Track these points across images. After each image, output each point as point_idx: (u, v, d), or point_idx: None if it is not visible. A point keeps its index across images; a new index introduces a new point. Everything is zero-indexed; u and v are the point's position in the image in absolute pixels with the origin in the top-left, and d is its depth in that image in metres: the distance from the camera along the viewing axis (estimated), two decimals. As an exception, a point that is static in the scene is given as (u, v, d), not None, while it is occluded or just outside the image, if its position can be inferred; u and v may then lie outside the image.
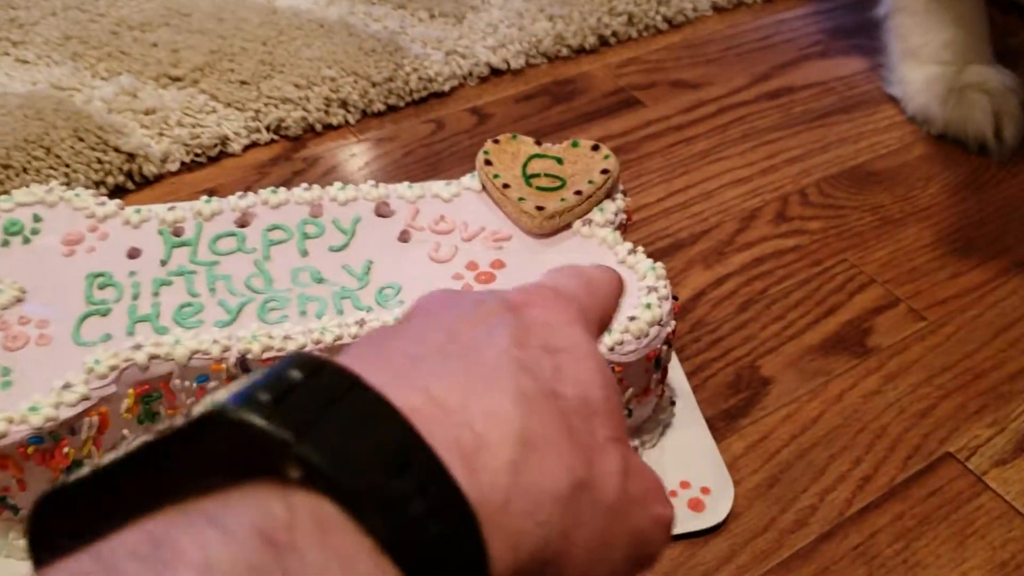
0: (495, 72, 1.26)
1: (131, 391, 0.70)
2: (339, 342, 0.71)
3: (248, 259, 0.79)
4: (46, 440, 0.67)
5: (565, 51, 1.29)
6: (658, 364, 0.73)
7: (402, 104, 1.20)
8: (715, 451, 0.78)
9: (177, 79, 1.17)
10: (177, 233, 0.82)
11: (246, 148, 1.12)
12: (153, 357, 0.70)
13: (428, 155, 1.11)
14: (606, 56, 1.30)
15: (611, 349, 0.70)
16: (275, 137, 1.14)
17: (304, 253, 0.80)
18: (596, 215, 0.81)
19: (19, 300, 0.75)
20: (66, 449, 0.68)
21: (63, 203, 0.83)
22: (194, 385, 0.71)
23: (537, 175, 0.83)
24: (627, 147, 1.13)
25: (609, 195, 0.82)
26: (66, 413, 0.67)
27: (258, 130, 1.13)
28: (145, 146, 1.07)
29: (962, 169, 1.12)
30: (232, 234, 0.81)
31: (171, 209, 0.83)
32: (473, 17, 1.31)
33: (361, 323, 0.72)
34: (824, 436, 0.82)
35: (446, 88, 1.22)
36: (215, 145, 1.11)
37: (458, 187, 0.85)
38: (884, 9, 1.25)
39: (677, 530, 0.71)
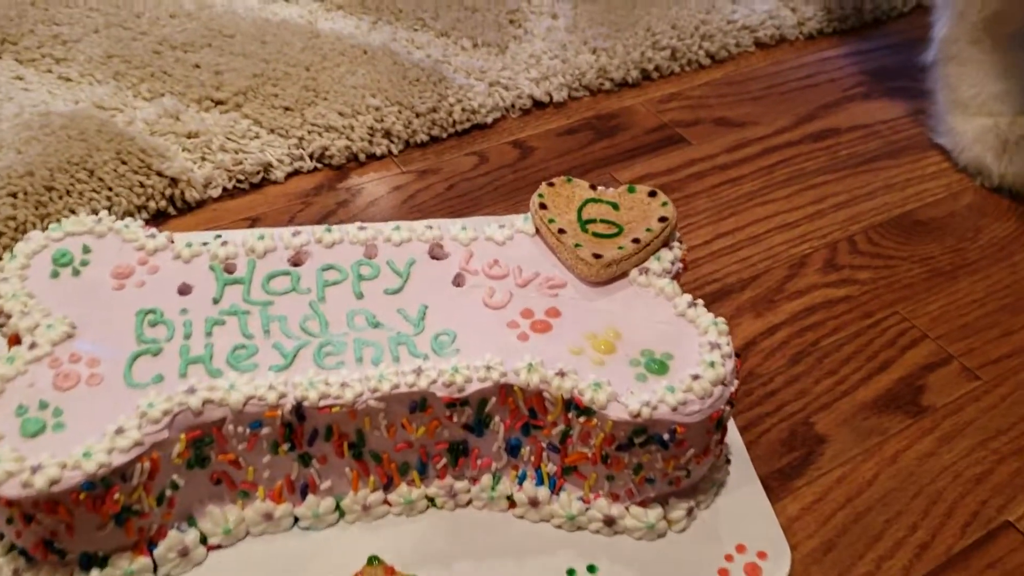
0: (537, 104, 1.25)
1: (183, 436, 0.68)
2: (396, 391, 0.69)
3: (303, 300, 0.77)
4: (98, 486, 0.65)
5: (608, 84, 1.27)
6: (719, 424, 0.71)
7: (445, 135, 1.18)
8: (771, 513, 0.75)
9: (220, 102, 1.15)
10: (229, 270, 0.80)
11: (289, 176, 1.11)
12: (207, 402, 0.68)
13: (471, 189, 1.09)
14: (648, 91, 1.28)
15: (674, 409, 0.67)
16: (318, 165, 1.12)
17: (359, 295, 0.77)
18: (653, 264, 0.78)
19: (69, 336, 0.73)
20: (117, 495, 0.65)
21: (112, 234, 0.81)
22: (247, 431, 0.69)
23: (593, 220, 0.81)
24: (672, 186, 1.10)
25: (666, 243, 0.80)
26: (119, 459, 0.65)
27: (301, 158, 1.11)
28: (188, 171, 1.05)
29: (1011, 221, 1.10)
30: (286, 273, 0.79)
31: (223, 244, 0.80)
32: (516, 48, 1.30)
33: (418, 372, 0.70)
34: (880, 499, 0.80)
35: (489, 120, 1.21)
36: (258, 172, 1.09)
37: (511, 230, 0.82)
38: (931, 57, 1.22)
39: (734, 598, 0.69)
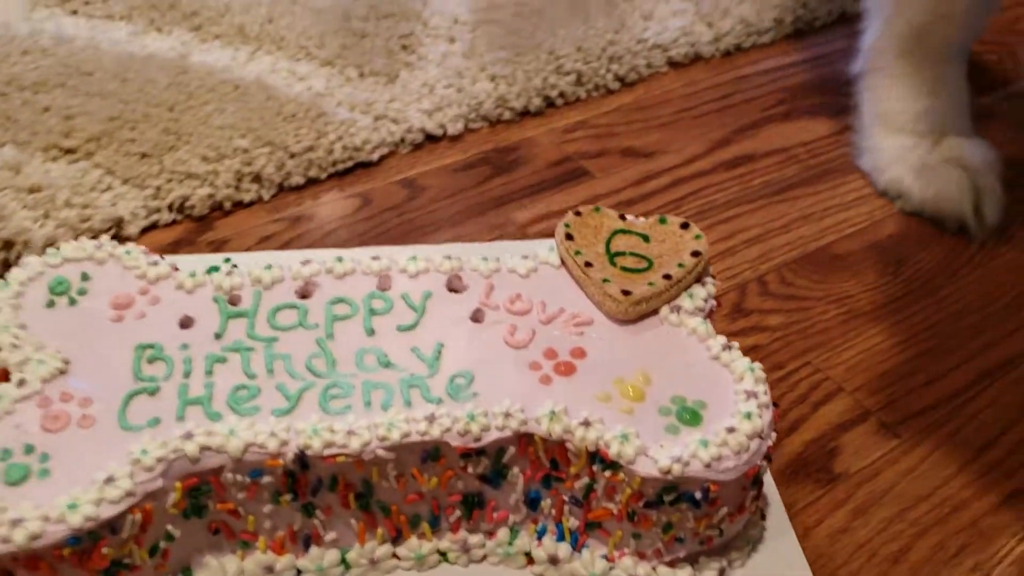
0: (430, 138, 1.18)
1: (178, 484, 0.63)
2: (407, 439, 0.65)
3: (310, 336, 0.72)
4: (84, 541, 0.60)
5: (508, 114, 1.22)
6: (756, 481, 0.68)
7: (324, 176, 1.11)
8: (808, 572, 0.72)
9: (69, 151, 1.06)
10: (233, 301, 0.75)
11: (144, 230, 1.02)
12: (205, 449, 0.63)
13: (351, 236, 1.03)
14: (552, 119, 1.23)
15: (707, 466, 0.64)
16: (178, 217, 1.04)
17: (370, 332, 0.73)
18: (685, 301, 0.75)
19: (62, 372, 0.69)
20: (105, 550, 0.61)
21: (113, 260, 0.77)
22: (247, 480, 0.64)
23: (622, 253, 0.78)
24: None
25: (699, 279, 0.77)
26: (108, 512, 0.60)
27: (158, 209, 1.03)
28: (26, 231, 0.96)
29: (937, 251, 1.07)
30: (293, 306, 0.75)
31: (228, 274, 0.76)
32: (407, 76, 1.23)
33: (431, 419, 0.66)
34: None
35: (375, 157, 1.14)
36: (109, 228, 1.00)
37: (535, 261, 0.79)
38: (859, 66, 1.19)
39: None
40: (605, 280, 0.75)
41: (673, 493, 0.65)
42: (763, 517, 0.74)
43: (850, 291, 1.01)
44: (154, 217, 1.03)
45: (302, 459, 0.64)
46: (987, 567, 0.76)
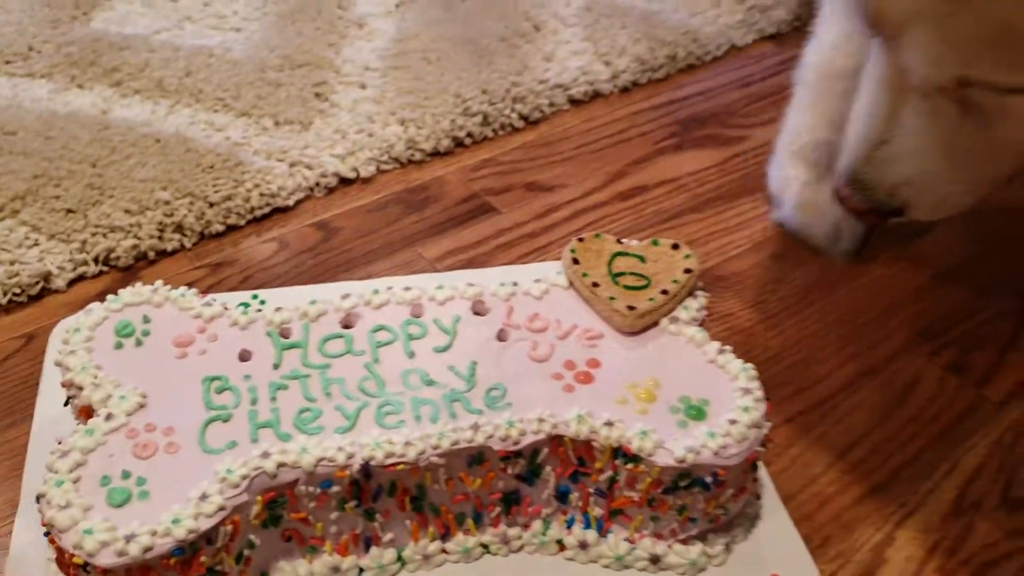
0: (344, 181, 1.22)
1: (259, 498, 0.71)
2: (456, 447, 0.73)
3: (358, 361, 0.80)
4: (187, 551, 0.67)
5: (418, 155, 1.27)
6: (755, 465, 0.78)
7: (243, 223, 1.15)
8: (799, 542, 0.82)
9: None
10: (285, 334, 0.82)
11: (71, 283, 1.05)
12: (281, 465, 0.71)
13: (269, 278, 1.08)
14: (460, 158, 1.29)
15: (715, 453, 0.74)
16: (104, 268, 1.07)
17: (411, 355, 0.81)
18: (681, 313, 0.85)
19: (142, 406, 0.75)
20: (203, 558, 0.68)
21: (169, 303, 0.83)
22: (318, 490, 0.72)
23: (623, 273, 0.87)
24: (479, 259, 1.11)
25: (691, 293, 0.87)
26: (205, 524, 0.67)
27: (85, 262, 1.06)
28: None
29: (813, 269, 1.12)
30: (339, 336, 0.82)
31: (277, 310, 0.83)
32: (321, 123, 1.28)
33: (476, 427, 0.74)
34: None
35: (291, 202, 1.18)
36: (36, 282, 1.03)
37: (547, 284, 0.87)
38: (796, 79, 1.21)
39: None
40: (611, 298, 0.84)
41: (687, 479, 0.74)
42: (758, 497, 0.84)
43: (732, 309, 1.08)
44: (81, 270, 1.06)
45: (366, 470, 0.72)
46: (848, 554, 0.85)
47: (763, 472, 0.86)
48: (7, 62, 1.36)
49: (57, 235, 1.07)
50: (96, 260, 1.06)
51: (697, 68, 1.51)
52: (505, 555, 0.79)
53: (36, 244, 1.06)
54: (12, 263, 1.03)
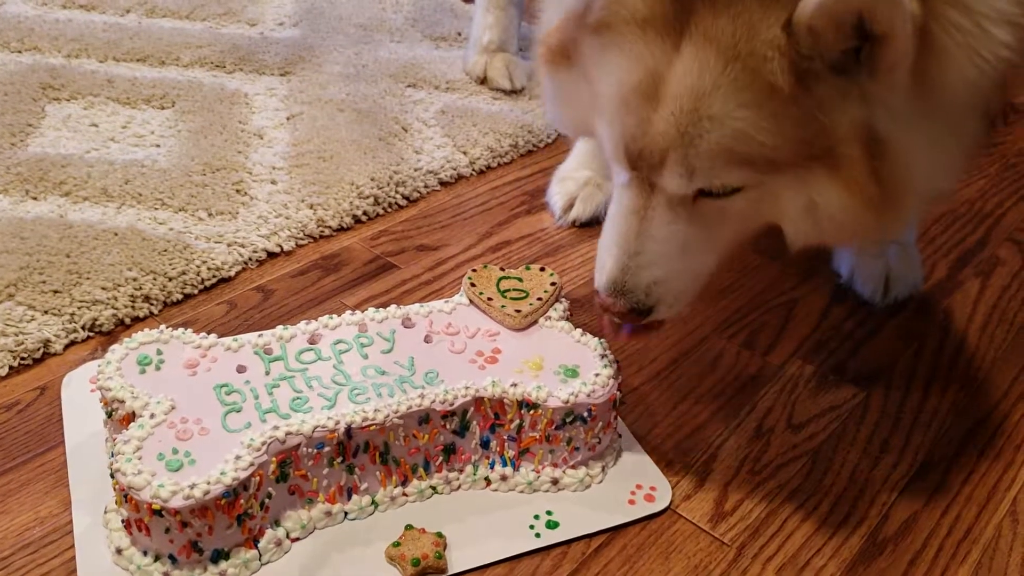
0: (271, 255, 1.41)
1: (274, 458, 0.93)
2: (410, 410, 0.98)
3: (327, 364, 1.03)
4: (231, 495, 0.89)
5: (327, 231, 1.45)
6: (616, 404, 1.04)
7: (197, 291, 1.32)
8: (653, 464, 1.07)
9: None
10: (268, 351, 1.04)
11: (67, 346, 1.22)
12: (288, 433, 0.94)
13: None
14: (361, 231, 1.49)
15: (588, 395, 1.00)
16: (91, 334, 1.24)
17: (365, 356, 1.05)
18: (553, 313, 1.12)
19: (173, 408, 0.96)
20: (242, 501, 0.90)
21: (174, 340, 1.05)
22: (314, 451, 0.95)
23: (508, 290, 1.13)
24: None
25: (557, 299, 1.14)
26: (243, 474, 0.89)
27: (75, 330, 1.23)
28: None
29: None
30: (310, 349, 1.05)
31: (260, 336, 1.06)
32: (245, 212, 1.46)
33: (422, 396, 0.98)
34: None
35: (232, 273, 1.36)
36: (39, 348, 1.19)
37: (454, 303, 1.13)
38: None
39: (641, 514, 1.02)
40: (503, 306, 1.11)
41: (571, 416, 1.00)
42: (620, 436, 1.10)
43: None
44: (72, 336, 1.21)
45: (348, 431, 0.95)
46: (686, 469, 1.09)
47: (622, 425, 1.13)
48: (-34, 182, 1.50)
49: (50, 311, 1.23)
50: (84, 327, 1.23)
51: (534, 152, 1.78)
52: (448, 493, 1.03)
53: (34, 319, 1.22)
54: (17, 335, 1.19)
